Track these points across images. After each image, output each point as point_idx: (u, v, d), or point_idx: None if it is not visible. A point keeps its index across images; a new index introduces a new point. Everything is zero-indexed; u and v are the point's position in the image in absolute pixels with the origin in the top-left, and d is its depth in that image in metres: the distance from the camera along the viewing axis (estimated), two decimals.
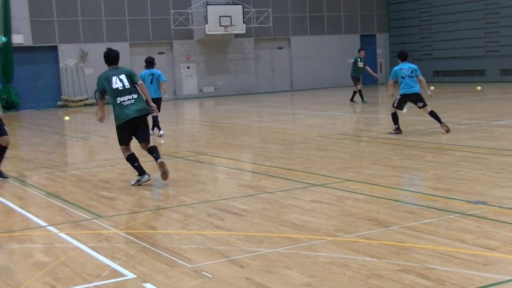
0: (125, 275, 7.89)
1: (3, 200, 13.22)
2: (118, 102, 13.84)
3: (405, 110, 24.80)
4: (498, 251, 7.95)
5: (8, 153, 20.04)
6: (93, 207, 11.83)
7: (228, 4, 43.25)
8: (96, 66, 38.65)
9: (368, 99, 33.01)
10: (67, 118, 32.41)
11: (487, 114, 23.39)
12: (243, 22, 43.46)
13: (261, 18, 44.50)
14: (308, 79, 46.42)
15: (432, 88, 37.99)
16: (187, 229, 9.99)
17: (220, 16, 42.64)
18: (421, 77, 20.40)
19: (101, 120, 15.08)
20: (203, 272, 7.80)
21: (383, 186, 12.15)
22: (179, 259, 8.39)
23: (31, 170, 16.71)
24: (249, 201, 11.67)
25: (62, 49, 40.46)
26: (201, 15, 42.90)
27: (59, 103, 40.36)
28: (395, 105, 20.16)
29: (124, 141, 14.39)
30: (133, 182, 14.00)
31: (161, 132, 22.70)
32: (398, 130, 19.86)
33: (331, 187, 12.33)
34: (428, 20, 45.55)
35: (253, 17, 44.25)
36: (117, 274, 7.98)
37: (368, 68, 32.78)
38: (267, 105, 33.55)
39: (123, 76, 14.27)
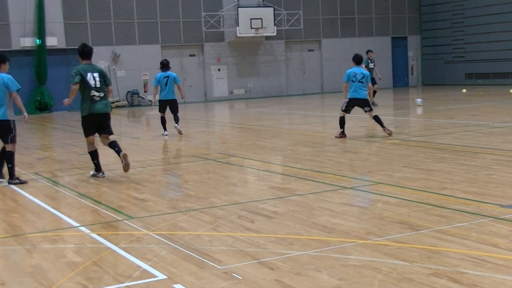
0: (156, 276, 7.91)
1: (36, 200, 13.29)
2: (90, 95, 14.96)
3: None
4: None
5: (41, 154, 20.24)
6: (124, 208, 11.87)
7: (259, 6, 43.23)
8: (128, 68, 38.96)
9: (398, 102, 32.84)
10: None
11: None
12: (274, 25, 43.44)
13: (292, 21, 44.46)
14: (338, 82, 45.82)
15: (464, 90, 37.95)
16: (217, 230, 9.99)
17: (251, 19, 42.64)
18: (370, 85, 21.53)
19: (67, 102, 15.53)
20: (233, 274, 7.80)
21: (414, 189, 12.10)
22: (209, 260, 8.39)
23: (64, 171, 16.78)
24: (279, 203, 11.66)
25: (95, 51, 40.54)
26: (232, 17, 42.95)
27: None
28: (343, 108, 20.91)
29: (88, 133, 15.49)
30: (91, 173, 15.76)
31: (166, 132, 23.93)
32: (342, 134, 20.45)
33: (361, 190, 12.31)
34: (461, 22, 45.30)
35: (284, 19, 44.22)
36: (148, 274, 7.99)
37: (376, 69, 32.56)
38: (297, 107, 33.54)
39: (96, 74, 15.24)
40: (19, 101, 15.40)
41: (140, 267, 8.33)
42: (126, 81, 40.11)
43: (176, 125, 23.59)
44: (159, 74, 23.80)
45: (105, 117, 15.53)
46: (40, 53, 38.73)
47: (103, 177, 15.52)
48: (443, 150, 16.71)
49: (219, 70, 43.79)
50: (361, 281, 7.33)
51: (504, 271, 7.42)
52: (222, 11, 42.95)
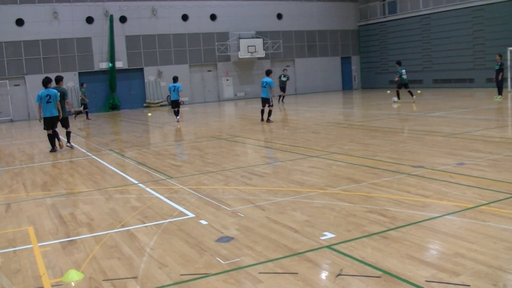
0: (188, 215, 7.95)
1: (110, 166, 13.30)
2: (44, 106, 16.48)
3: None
4: (431, 198, 7.96)
5: (113, 137, 20.20)
6: (166, 171, 11.87)
7: (253, 37, 43.06)
8: (168, 80, 38.78)
9: (345, 100, 32.79)
10: (149, 114, 32.50)
11: (425, 109, 23.23)
12: (263, 49, 43.38)
13: (275, 47, 44.36)
14: (306, 86, 46.27)
15: (388, 92, 37.85)
16: (227, 185, 10.00)
17: (248, 46, 42.58)
18: (273, 89, 22.13)
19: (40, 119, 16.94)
20: (238, 213, 7.83)
21: (357, 156, 12.11)
22: (222, 204, 8.42)
23: (127, 148, 16.76)
24: (268, 167, 11.68)
25: (146, 70, 40.51)
26: (236, 45, 42.79)
27: (144, 104, 40.42)
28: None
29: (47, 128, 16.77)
30: (49, 149, 16.98)
31: (178, 117, 25.46)
32: (262, 121, 22.13)
33: (322, 158, 12.30)
34: (385, 47, 45.21)
35: (270, 46, 44.11)
36: (183, 214, 8.03)
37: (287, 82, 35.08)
38: (280, 104, 33.48)
39: (52, 93, 16.48)
40: (69, 103, 17.60)
41: (177, 209, 8.35)
42: (166, 89, 40.02)
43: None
44: (171, 84, 25.58)
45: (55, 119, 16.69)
46: (112, 72, 38.66)
47: (53, 151, 16.85)
48: (375, 130, 16.70)
49: (227, 80, 43.67)
50: (322, 217, 7.35)
51: (413, 208, 7.45)
52: (229, 41, 42.81)
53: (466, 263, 5.36)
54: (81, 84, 33.17)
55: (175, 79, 25.70)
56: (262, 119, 22.45)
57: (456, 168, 10.06)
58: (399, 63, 29.69)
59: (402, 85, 28.72)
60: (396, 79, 28.70)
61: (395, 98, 28.61)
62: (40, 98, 16.52)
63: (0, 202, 9.94)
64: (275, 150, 14.28)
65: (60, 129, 17.40)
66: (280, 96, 34.67)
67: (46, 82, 16.65)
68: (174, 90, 25.19)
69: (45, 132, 17.19)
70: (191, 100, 41.88)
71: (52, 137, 16.92)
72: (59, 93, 16.64)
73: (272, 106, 22.21)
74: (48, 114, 16.57)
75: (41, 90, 16.73)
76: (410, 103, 26.93)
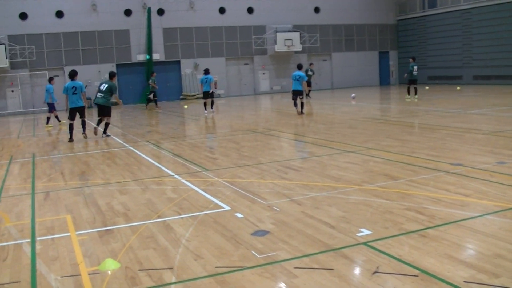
0: (223, 207, 7.96)
1: (147, 157, 13.41)
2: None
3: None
4: (470, 197, 7.84)
5: (149, 129, 20.37)
6: (203, 163, 11.91)
7: (290, 31, 42.94)
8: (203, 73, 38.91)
9: (383, 95, 32.56)
10: (186, 106, 32.66)
11: (464, 106, 22.91)
12: (300, 43, 43.24)
13: (312, 40, 44.16)
14: (343, 81, 46.01)
15: (426, 87, 37.50)
16: (263, 179, 9.99)
17: (284, 39, 42.49)
18: (304, 82, 22.47)
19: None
20: (274, 207, 7.81)
21: (394, 153, 11.99)
22: (258, 198, 8.42)
23: (164, 139, 16.87)
24: (304, 162, 11.63)
25: (183, 62, 40.73)
26: (273, 38, 42.72)
27: (181, 97, 40.68)
28: (292, 97, 22.71)
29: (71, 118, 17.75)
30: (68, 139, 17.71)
31: (212, 109, 26.82)
32: (297, 113, 22.43)
33: (359, 153, 12.22)
34: (424, 42, 44.63)
35: (307, 39, 43.93)
36: (219, 206, 8.04)
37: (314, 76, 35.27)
38: (316, 98, 33.33)
39: (77, 85, 17.47)
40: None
41: (213, 201, 8.38)
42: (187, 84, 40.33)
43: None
44: (203, 76, 26.72)
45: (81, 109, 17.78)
46: (149, 64, 38.94)
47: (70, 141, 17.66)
48: (413, 127, 16.54)
49: (263, 73, 43.62)
50: (358, 213, 7.30)
51: (452, 206, 7.35)
52: (265, 35, 42.74)
53: (507, 265, 5.25)
54: (151, 73, 33.86)
55: (207, 71, 26.78)
56: (299, 112, 22.66)
57: (496, 167, 9.88)
58: (413, 58, 29.71)
59: (411, 81, 28.91)
60: (405, 75, 29.10)
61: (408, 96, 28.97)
62: (66, 90, 17.64)
63: (39, 190, 10.09)
64: (310, 144, 14.21)
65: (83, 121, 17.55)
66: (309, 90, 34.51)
67: (72, 75, 17.85)
68: (206, 82, 26.24)
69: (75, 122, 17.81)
70: (227, 93, 41.99)
71: (72, 128, 17.94)
72: (82, 84, 17.92)
73: (303, 98, 22.67)
74: (73, 105, 17.70)
75: (68, 82, 17.73)
76: (410, 99, 27.78)
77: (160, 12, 39.58)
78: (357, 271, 5.36)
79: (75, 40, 37.29)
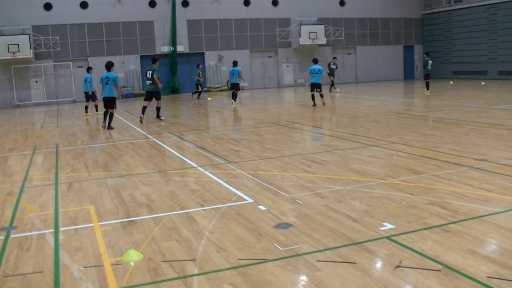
0: (246, 200, 7.98)
1: (170, 149, 13.49)
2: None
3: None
4: (494, 192, 7.78)
5: (173, 121, 20.45)
6: (226, 156, 11.94)
7: (315, 24, 42.78)
8: (228, 65, 38.93)
9: (407, 89, 32.35)
10: (209, 98, 32.73)
11: (489, 101, 22.70)
12: (325, 36, 43.05)
13: (337, 34, 43.95)
14: (367, 75, 45.80)
15: (451, 82, 37.25)
16: (286, 171, 9.99)
17: (309, 32, 42.35)
18: (323, 74, 23.85)
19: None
20: (297, 200, 7.82)
21: (418, 147, 11.93)
22: (281, 191, 8.42)
23: (187, 131, 16.94)
24: (327, 155, 11.60)
25: (207, 54, 40.80)
26: (297, 31, 42.63)
27: (204, 89, 40.68)
28: (310, 90, 23.83)
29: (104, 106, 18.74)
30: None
31: (235, 102, 27.39)
32: (314, 105, 23.34)
33: (382, 147, 12.17)
34: (449, 36, 44.23)
35: (331, 33, 43.73)
36: (241, 199, 8.06)
37: (337, 70, 34.89)
38: (340, 92, 33.21)
39: (111, 76, 18.16)
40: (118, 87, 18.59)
41: (236, 194, 8.40)
42: (227, 73, 40.25)
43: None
44: (231, 68, 28.07)
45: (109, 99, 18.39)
46: (173, 56, 39.11)
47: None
48: (437, 121, 16.41)
49: (287, 66, 43.58)
50: (382, 207, 7.28)
51: (476, 202, 7.30)
52: (290, 28, 42.65)
53: None
54: (197, 65, 34.27)
55: (235, 64, 28.37)
56: (315, 104, 23.68)
57: None
58: (427, 53, 30.17)
59: (426, 75, 29.45)
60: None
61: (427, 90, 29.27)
62: (101, 80, 18.43)
63: (63, 181, 10.20)
64: (334, 138, 14.18)
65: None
66: (332, 83, 34.34)
67: (108, 66, 18.44)
68: (233, 74, 27.70)
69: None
70: (250, 85, 41.98)
71: (105, 114, 18.77)
72: (116, 76, 18.39)
73: (321, 91, 23.62)
74: (105, 95, 18.45)
75: (104, 73, 18.37)
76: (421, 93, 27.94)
77: (185, 3, 39.67)
78: (379, 265, 5.35)
79: (100, 31, 37.53)
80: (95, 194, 8.94)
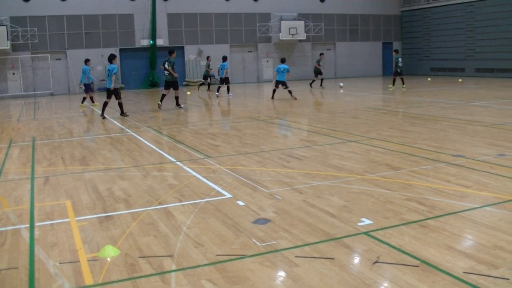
0: (225, 195, 7.96)
1: (148, 143, 13.40)
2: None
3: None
4: (470, 188, 7.83)
5: (152, 115, 20.34)
6: (204, 150, 11.90)
7: (295, 19, 42.85)
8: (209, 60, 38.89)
9: (386, 85, 32.52)
10: (188, 93, 32.61)
11: (466, 98, 22.88)
12: (305, 32, 43.11)
13: (316, 29, 44.02)
14: (347, 71, 45.90)
15: (429, 79, 37.55)
16: (265, 167, 9.98)
17: (289, 28, 42.40)
18: (289, 73, 25.61)
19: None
20: (276, 196, 7.81)
21: (396, 143, 11.98)
22: (259, 186, 8.41)
23: (166, 125, 16.86)
24: (306, 150, 11.61)
25: (187, 48, 40.62)
26: (277, 26, 42.63)
27: (184, 83, 40.56)
28: (274, 85, 25.67)
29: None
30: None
31: (229, 94, 29.12)
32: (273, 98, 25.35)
33: (361, 143, 12.20)
34: (428, 34, 44.51)
35: (311, 28, 43.80)
36: (220, 194, 8.04)
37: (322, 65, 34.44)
38: (318, 86, 33.26)
39: (109, 68, 19.14)
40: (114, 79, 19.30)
41: (215, 189, 8.37)
42: (204, 68, 40.28)
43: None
44: (222, 63, 28.66)
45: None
46: (153, 49, 38.87)
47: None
48: (415, 118, 16.49)
49: (267, 61, 43.55)
50: (360, 202, 7.29)
51: (453, 198, 7.35)
52: (270, 23, 42.63)
53: (506, 256, 5.25)
54: (207, 57, 34.36)
55: (224, 59, 29.04)
56: (273, 97, 25.81)
57: (497, 159, 9.87)
58: (396, 51, 31.16)
59: (397, 72, 30.10)
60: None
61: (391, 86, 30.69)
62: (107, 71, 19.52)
63: (39, 175, 10.09)
64: (313, 133, 14.20)
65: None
66: (316, 80, 34.35)
67: (109, 59, 19.55)
68: (221, 69, 28.75)
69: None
70: (230, 80, 41.82)
71: (104, 106, 19.76)
72: (114, 67, 19.35)
73: (286, 88, 25.11)
74: (106, 86, 19.82)
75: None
76: (392, 89, 29.33)
77: None
78: (357, 260, 5.36)
79: (79, 23, 37.17)
80: (72, 188, 8.84)
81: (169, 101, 23.85)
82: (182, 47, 40.48)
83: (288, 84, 25.47)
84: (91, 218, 7.08)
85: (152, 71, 39.22)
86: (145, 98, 30.17)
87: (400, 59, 29.89)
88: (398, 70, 29.84)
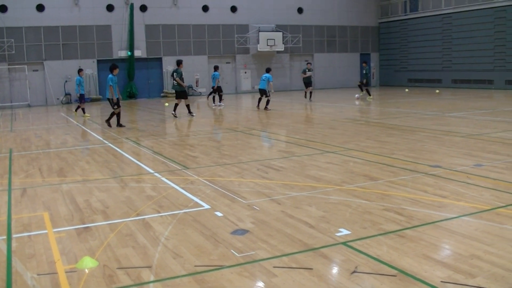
0: (203, 206, 7.95)
1: (126, 155, 13.35)
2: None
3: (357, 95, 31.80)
4: (447, 198, 7.90)
5: (130, 126, 20.23)
6: (183, 162, 11.88)
7: (273, 31, 43.04)
8: (186, 71, 38.79)
9: (363, 96, 32.73)
10: (166, 104, 32.55)
11: (443, 108, 23.11)
12: (283, 43, 43.32)
13: (294, 41, 44.27)
14: (325, 82, 46.14)
15: (406, 90, 37.87)
16: (243, 178, 9.99)
17: (267, 39, 42.57)
18: (271, 83, 25.77)
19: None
20: (254, 206, 7.82)
21: (374, 154, 12.05)
22: (238, 197, 8.41)
23: (144, 137, 16.81)
24: (284, 161, 11.64)
25: (165, 59, 40.56)
26: (255, 38, 42.76)
27: (162, 94, 40.50)
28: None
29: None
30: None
31: (218, 104, 29.67)
32: (258, 107, 25.99)
33: (339, 153, 12.26)
34: (405, 45, 44.98)
35: (289, 40, 44.04)
36: (198, 205, 8.02)
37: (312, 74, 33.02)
38: (297, 98, 33.39)
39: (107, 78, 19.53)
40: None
41: (193, 200, 8.36)
42: (184, 79, 39.72)
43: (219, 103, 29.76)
44: (214, 73, 29.74)
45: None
46: (130, 61, 38.73)
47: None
48: (393, 128, 16.62)
49: (245, 72, 43.66)
50: (338, 213, 7.33)
51: (430, 208, 7.41)
52: (248, 34, 42.77)
53: (483, 265, 5.31)
54: (215, 67, 33.67)
55: (216, 68, 30.02)
56: (258, 107, 26.12)
57: (473, 169, 9.98)
58: (365, 62, 32.84)
59: (365, 81, 31.71)
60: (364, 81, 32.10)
61: (358, 95, 32.03)
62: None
63: (16, 186, 9.99)
64: (291, 144, 14.24)
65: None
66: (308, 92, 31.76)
67: (110, 69, 19.65)
68: (213, 78, 29.67)
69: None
70: (208, 91, 41.82)
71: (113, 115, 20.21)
72: (109, 78, 19.43)
73: (269, 96, 25.69)
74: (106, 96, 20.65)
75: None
76: (360, 98, 30.47)
77: (143, 8, 39.41)
78: (336, 270, 5.38)
79: (56, 34, 36.96)
80: (50, 200, 8.78)
81: (149, 112, 23.75)
82: (160, 59, 40.43)
83: (270, 93, 25.92)
84: (69, 230, 7.04)
85: (130, 83, 39.07)
86: (123, 109, 30.00)
87: (369, 69, 31.04)
88: (365, 80, 31.52)
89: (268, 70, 26.65)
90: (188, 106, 23.58)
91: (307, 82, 31.57)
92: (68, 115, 26.96)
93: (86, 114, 25.73)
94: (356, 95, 30.75)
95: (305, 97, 31.81)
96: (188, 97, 24.41)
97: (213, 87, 29.76)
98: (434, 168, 10.13)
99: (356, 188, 8.73)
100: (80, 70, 26.05)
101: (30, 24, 36.22)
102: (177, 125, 21.01)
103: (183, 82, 22.98)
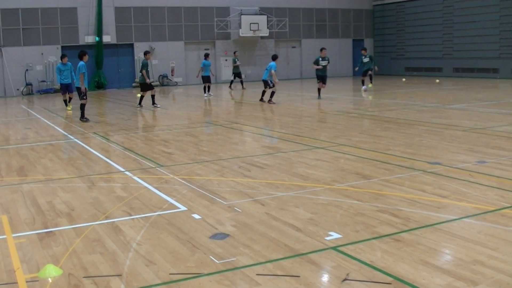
0: (179, 208, 7.95)
1: (94, 151, 13.30)
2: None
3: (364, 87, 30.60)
4: (448, 198, 7.96)
5: (98, 119, 20.16)
6: (156, 159, 11.87)
7: (256, 14, 43.00)
8: (160, 58, 39.12)
9: (356, 86, 32.81)
10: (139, 95, 32.43)
11: (444, 100, 23.24)
12: (267, 28, 43.26)
13: (280, 25, 44.23)
14: (314, 70, 45.97)
15: (404, 79, 38.02)
16: (223, 176, 10.00)
17: (250, 23, 42.49)
18: (273, 72, 23.89)
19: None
20: (235, 208, 7.83)
21: (367, 149, 12.11)
22: (217, 198, 8.42)
23: (114, 131, 16.75)
24: (269, 158, 11.66)
25: (137, 46, 40.41)
26: (237, 22, 42.71)
27: (133, 84, 40.29)
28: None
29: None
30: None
31: (209, 93, 30.12)
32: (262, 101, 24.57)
33: (329, 149, 12.30)
34: (402, 30, 45.12)
35: (275, 24, 43.98)
36: (173, 207, 8.03)
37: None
38: (283, 89, 33.43)
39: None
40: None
41: (168, 201, 8.36)
42: (158, 67, 40.04)
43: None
44: (204, 61, 30.55)
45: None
46: (99, 47, 38.51)
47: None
48: (388, 122, 16.70)
49: (226, 60, 43.59)
50: (327, 215, 7.36)
51: (429, 209, 7.46)
52: (229, 17, 42.70)
53: (486, 272, 5.35)
54: (234, 52, 35.72)
55: (206, 56, 31.01)
56: (261, 100, 24.80)
57: (476, 166, 10.06)
58: (364, 49, 32.65)
59: (365, 71, 31.09)
60: (356, 68, 32.32)
61: (365, 87, 30.69)
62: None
63: None
64: (276, 139, 14.26)
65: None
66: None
67: (78, 56, 19.25)
68: (206, 66, 30.19)
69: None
70: (185, 81, 41.80)
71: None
72: (79, 65, 19.09)
73: (272, 87, 24.18)
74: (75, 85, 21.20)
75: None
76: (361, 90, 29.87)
77: None
78: (325, 278, 5.41)
79: (16, 18, 36.61)
80: (8, 202, 8.73)
81: (119, 104, 23.67)
82: (132, 45, 40.23)
83: (275, 84, 24.12)
84: (30, 235, 7.00)
85: (98, 71, 38.86)
86: (90, 101, 29.84)
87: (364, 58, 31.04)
88: (365, 69, 31.11)
89: (274, 58, 24.65)
90: (153, 96, 24.15)
91: (322, 76, 26.39)
92: (29, 107, 26.73)
93: (68, 108, 23.97)
94: (363, 87, 30.38)
95: (319, 96, 26.16)
96: (155, 88, 25.10)
97: (203, 77, 30.19)
98: (433, 165, 10.19)
99: (348, 188, 8.76)
100: (63, 56, 24.19)
101: None
102: (150, 118, 20.97)
103: (148, 75, 23.56)
